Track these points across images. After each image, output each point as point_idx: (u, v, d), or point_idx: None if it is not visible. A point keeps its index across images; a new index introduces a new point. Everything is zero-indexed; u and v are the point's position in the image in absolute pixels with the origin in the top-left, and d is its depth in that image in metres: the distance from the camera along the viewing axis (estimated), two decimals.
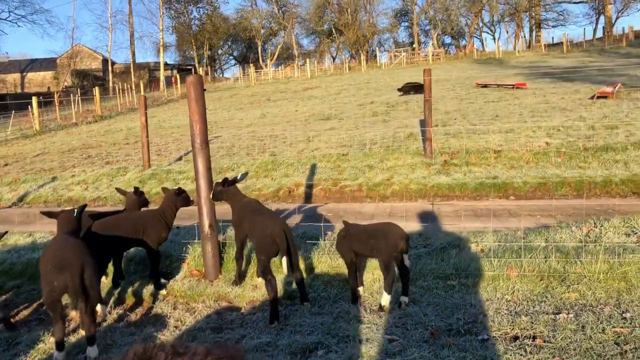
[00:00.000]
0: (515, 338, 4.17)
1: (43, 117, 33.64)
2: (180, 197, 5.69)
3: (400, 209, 9.66)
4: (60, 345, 4.19)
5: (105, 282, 5.79)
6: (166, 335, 4.57)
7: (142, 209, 5.94)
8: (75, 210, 4.86)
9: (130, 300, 5.47)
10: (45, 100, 34.58)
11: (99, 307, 5.12)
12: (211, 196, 5.49)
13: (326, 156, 12.84)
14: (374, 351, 4.08)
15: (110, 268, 5.78)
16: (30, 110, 29.48)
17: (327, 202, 10.69)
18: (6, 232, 5.68)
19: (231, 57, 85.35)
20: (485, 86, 25.09)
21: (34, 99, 28.17)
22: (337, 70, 57.34)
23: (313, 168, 12.18)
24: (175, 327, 4.78)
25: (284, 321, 4.74)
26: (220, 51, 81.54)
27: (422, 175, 11.18)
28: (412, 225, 8.09)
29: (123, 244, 5.25)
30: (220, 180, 5.52)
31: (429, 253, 5.99)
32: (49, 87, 59.72)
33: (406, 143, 13.70)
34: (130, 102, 40.95)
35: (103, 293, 5.63)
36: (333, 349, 4.17)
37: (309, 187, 11.34)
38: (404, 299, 4.87)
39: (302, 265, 5.69)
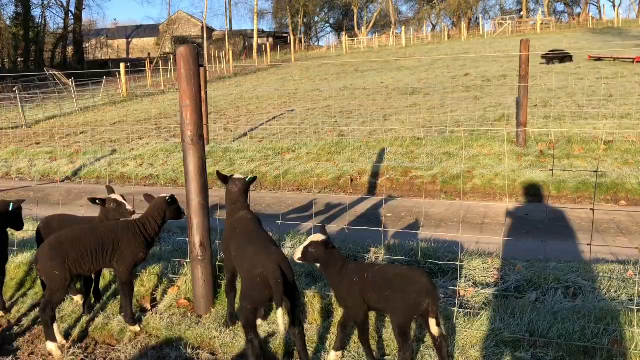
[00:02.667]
0: None
1: (136, 83, 34.10)
2: (171, 208, 4.39)
3: (478, 211, 7.92)
4: None
5: (78, 301, 4.67)
6: None
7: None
8: (11, 203, 4.40)
9: (96, 334, 4.31)
10: (135, 67, 34.95)
11: (51, 346, 4.02)
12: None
13: (398, 140, 11.19)
14: None
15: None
16: (118, 77, 29.74)
17: (391, 196, 9.12)
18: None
19: (327, 25, 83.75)
20: (599, 59, 21.97)
21: (122, 66, 28.37)
22: (435, 38, 54.24)
23: (382, 153, 10.59)
24: None
25: None
26: (316, 18, 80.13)
27: (511, 168, 9.28)
28: (486, 240, 6.40)
29: (84, 265, 4.04)
30: (226, 175, 4.10)
31: (495, 297, 4.34)
32: (149, 53, 61.29)
33: (496, 126, 11.72)
34: (220, 70, 40.75)
35: (71, 319, 4.53)
36: None
37: (374, 176, 9.80)
38: None
39: (318, 306, 4.27)
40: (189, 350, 3.93)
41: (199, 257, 4.38)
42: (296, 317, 3.52)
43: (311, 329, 4.02)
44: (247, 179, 4.08)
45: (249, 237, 3.73)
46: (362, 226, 7.08)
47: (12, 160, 13.78)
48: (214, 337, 4.05)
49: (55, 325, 4.15)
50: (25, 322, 4.56)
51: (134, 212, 4.35)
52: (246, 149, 11.83)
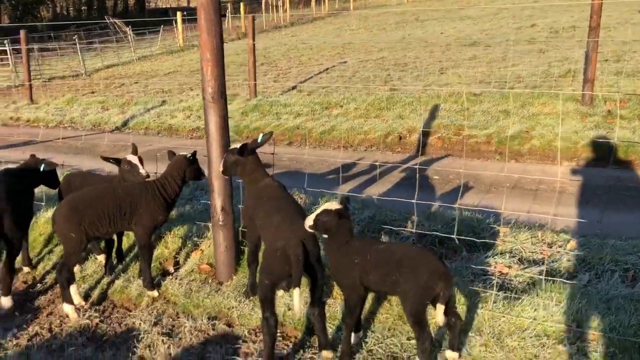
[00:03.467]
0: None
1: (193, 32, 33.99)
2: (191, 167, 4.14)
3: (534, 175, 7.34)
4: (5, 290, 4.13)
5: (101, 261, 4.57)
6: None
7: None
8: (43, 163, 4.42)
9: (114, 297, 4.19)
10: (194, 16, 34.72)
11: (67, 308, 3.92)
12: (221, 168, 3.81)
13: (453, 95, 10.54)
14: None
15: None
16: (175, 26, 29.71)
17: (442, 155, 8.64)
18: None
19: None
20: None
21: (179, 14, 28.26)
22: None
23: (434, 110, 10.02)
24: None
25: None
26: None
27: (573, 129, 8.55)
28: (540, 209, 5.88)
29: (101, 228, 3.88)
30: (235, 146, 3.77)
31: (542, 277, 3.89)
32: None
33: (560, 83, 10.84)
34: (277, 19, 40.07)
35: (92, 279, 4.43)
36: None
37: (425, 134, 9.28)
38: (451, 355, 3.10)
39: None
40: (205, 321, 3.75)
41: (221, 222, 4.14)
42: (317, 297, 3.24)
43: (334, 305, 3.75)
44: (259, 140, 3.74)
45: (276, 206, 3.42)
46: (406, 189, 6.69)
47: (67, 109, 14.00)
48: (232, 307, 3.84)
49: (73, 287, 4.06)
50: (49, 279, 4.51)
51: (147, 176, 4.14)
52: (293, 103, 11.48)
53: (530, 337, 3.28)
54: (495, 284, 3.73)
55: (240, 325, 3.71)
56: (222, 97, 4.00)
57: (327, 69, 15.96)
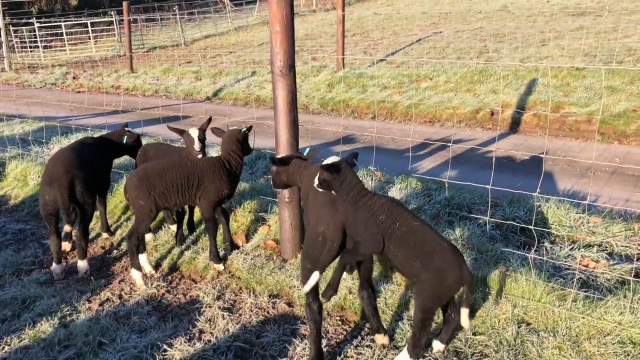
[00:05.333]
0: None
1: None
2: (244, 141, 4.11)
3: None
4: (56, 258, 4.23)
5: (174, 231, 4.65)
6: (169, 354, 3.22)
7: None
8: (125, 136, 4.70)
9: (183, 267, 4.25)
10: None
11: (136, 275, 4.02)
12: (272, 184, 3.70)
13: (553, 69, 9.78)
14: None
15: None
16: None
17: (537, 134, 8.09)
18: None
19: None
20: None
21: None
22: None
23: (531, 85, 9.37)
24: (194, 337, 3.40)
25: None
26: None
27: None
28: None
29: (170, 199, 3.91)
30: (279, 156, 3.66)
31: (635, 275, 3.48)
32: None
33: None
34: None
35: (164, 248, 4.52)
36: None
37: (519, 110, 8.70)
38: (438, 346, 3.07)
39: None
40: (266, 298, 3.71)
41: (286, 200, 4.06)
42: (365, 279, 3.13)
43: (398, 291, 3.57)
44: (305, 153, 3.58)
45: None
46: (492, 170, 6.29)
47: (163, 79, 14.52)
48: (294, 287, 3.77)
49: (143, 256, 4.16)
50: (125, 246, 4.64)
51: (199, 153, 4.14)
52: (380, 75, 11.17)
53: (613, 344, 2.95)
54: (576, 281, 3.39)
55: (300, 305, 3.64)
56: (290, 70, 3.87)
57: (420, 39, 15.40)
